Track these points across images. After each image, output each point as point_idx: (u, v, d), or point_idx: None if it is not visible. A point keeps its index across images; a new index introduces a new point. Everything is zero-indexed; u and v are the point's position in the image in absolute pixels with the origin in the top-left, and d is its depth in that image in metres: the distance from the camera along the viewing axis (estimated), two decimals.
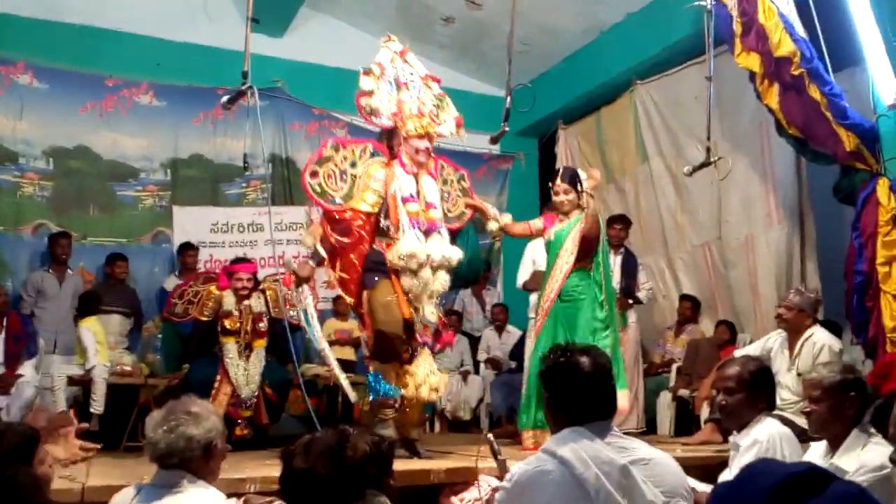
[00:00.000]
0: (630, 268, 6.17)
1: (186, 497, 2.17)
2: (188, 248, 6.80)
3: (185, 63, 7.14)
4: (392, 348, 4.24)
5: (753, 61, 5.09)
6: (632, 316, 6.17)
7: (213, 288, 5.52)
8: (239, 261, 5.73)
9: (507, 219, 4.91)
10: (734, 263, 6.44)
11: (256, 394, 5.30)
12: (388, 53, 4.67)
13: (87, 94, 6.90)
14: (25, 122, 6.72)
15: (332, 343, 6.66)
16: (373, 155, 4.50)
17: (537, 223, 4.96)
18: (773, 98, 5.07)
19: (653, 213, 7.23)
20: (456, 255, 4.42)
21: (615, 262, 5.91)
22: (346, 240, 4.31)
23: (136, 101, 7.07)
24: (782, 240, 6.03)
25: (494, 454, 2.28)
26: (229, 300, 5.39)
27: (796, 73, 4.81)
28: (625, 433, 2.16)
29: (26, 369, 5.57)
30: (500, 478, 2.15)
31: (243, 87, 3.79)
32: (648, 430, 6.00)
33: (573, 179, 4.75)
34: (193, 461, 2.21)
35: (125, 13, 6.98)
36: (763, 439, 2.71)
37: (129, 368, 5.95)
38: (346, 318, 6.78)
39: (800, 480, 1.22)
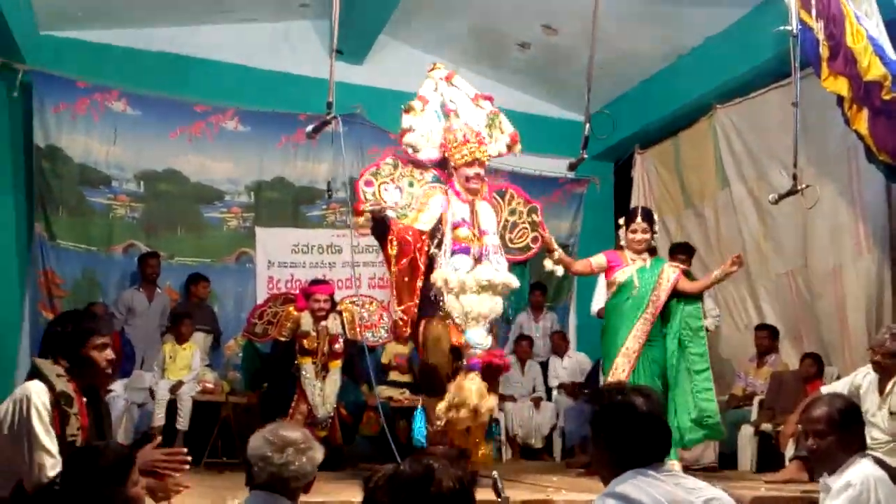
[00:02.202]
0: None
1: None
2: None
3: (268, 90, 7.37)
4: (438, 381, 4.27)
5: (841, 85, 4.93)
6: None
7: (291, 309, 5.66)
8: (317, 282, 5.87)
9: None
10: (821, 294, 6.20)
11: (332, 414, 5.39)
12: (432, 83, 4.72)
13: (177, 119, 7.16)
14: (119, 147, 6.99)
15: (391, 368, 6.74)
16: (435, 180, 4.54)
17: (600, 260, 4.98)
18: (863, 123, 4.89)
19: (734, 239, 7.03)
20: (509, 280, 4.41)
21: None
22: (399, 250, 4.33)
23: (223, 127, 7.31)
24: (872, 270, 5.78)
25: (497, 493, 2.20)
26: (307, 321, 5.52)
27: (887, 97, 4.64)
28: (698, 470, 2.11)
29: (116, 385, 5.81)
30: None
31: (328, 117, 3.88)
32: (728, 465, 5.79)
33: (651, 219, 4.93)
34: (296, 489, 2.27)
35: (212, 42, 7.27)
36: (856, 482, 2.60)
37: (211, 385, 6.13)
38: (405, 343, 6.53)
39: None
